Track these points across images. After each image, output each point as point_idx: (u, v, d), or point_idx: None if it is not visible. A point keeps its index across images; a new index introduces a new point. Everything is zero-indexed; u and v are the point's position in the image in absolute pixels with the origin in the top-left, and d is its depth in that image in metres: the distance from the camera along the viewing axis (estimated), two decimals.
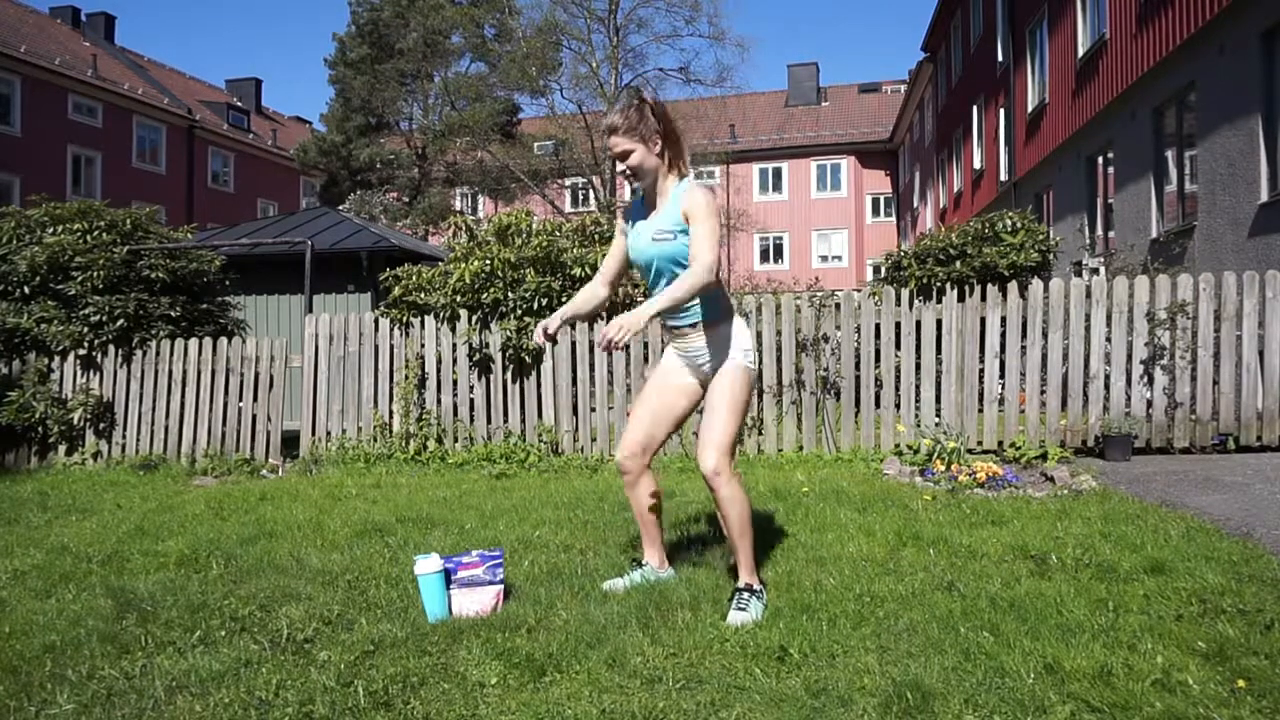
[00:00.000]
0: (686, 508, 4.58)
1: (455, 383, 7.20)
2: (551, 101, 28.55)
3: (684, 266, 2.88)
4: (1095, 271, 10.36)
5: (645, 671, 2.41)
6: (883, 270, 8.78)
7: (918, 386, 6.55)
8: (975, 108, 21.11)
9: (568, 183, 31.39)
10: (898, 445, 6.40)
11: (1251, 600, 2.81)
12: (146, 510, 5.28)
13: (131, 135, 28.64)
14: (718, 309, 2.98)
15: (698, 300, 2.93)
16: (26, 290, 7.75)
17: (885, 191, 35.63)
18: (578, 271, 6.94)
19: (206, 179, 31.95)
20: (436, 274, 7.44)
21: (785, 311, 6.71)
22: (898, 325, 6.59)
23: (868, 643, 2.56)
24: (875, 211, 35.80)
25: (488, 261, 7.02)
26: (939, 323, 6.55)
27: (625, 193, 32.11)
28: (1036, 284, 6.42)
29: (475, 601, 2.99)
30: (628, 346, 6.91)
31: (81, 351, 7.66)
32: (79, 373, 7.73)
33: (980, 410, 6.46)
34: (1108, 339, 6.30)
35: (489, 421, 7.14)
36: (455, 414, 7.17)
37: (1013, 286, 6.49)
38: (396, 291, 7.45)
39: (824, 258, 34.89)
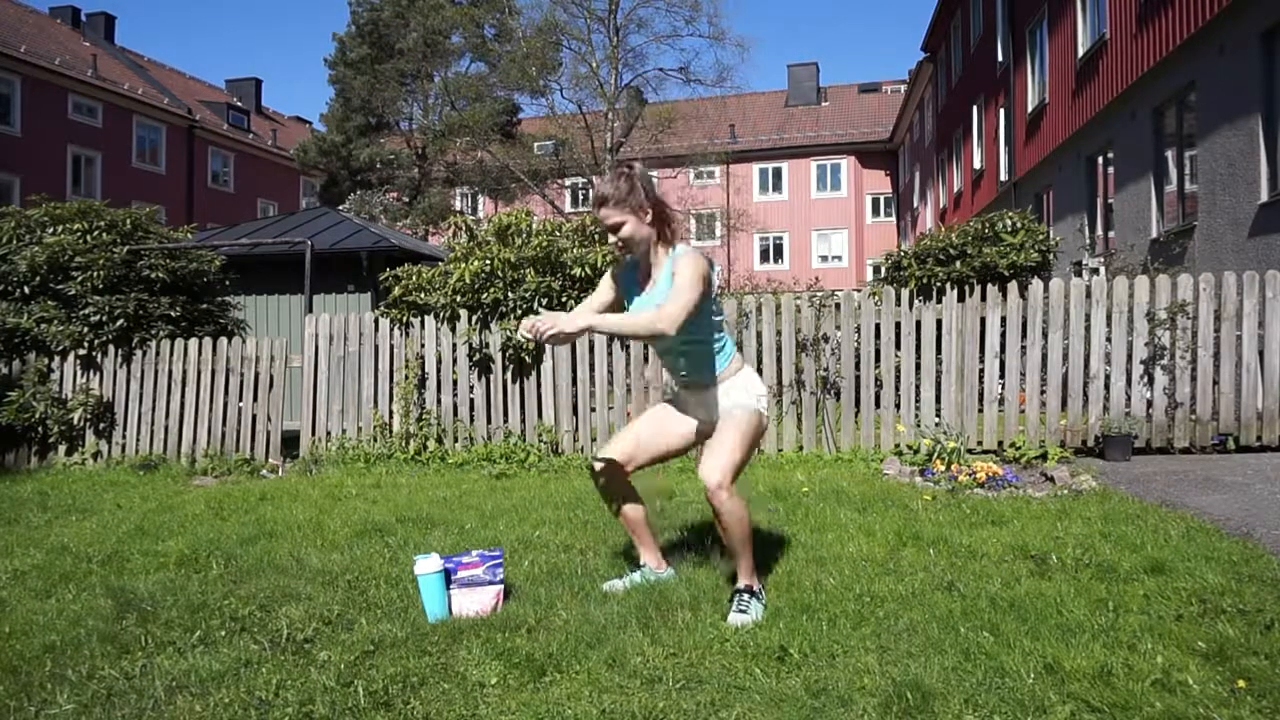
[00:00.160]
0: (687, 508, 4.58)
1: (455, 383, 7.20)
2: (551, 101, 28.57)
3: (692, 339, 2.89)
4: (1095, 271, 10.36)
5: (645, 671, 2.41)
6: (883, 270, 8.78)
7: (918, 386, 6.55)
8: (975, 108, 21.11)
9: (568, 183, 31.38)
10: (898, 445, 6.40)
11: (1251, 600, 2.81)
12: (146, 510, 5.28)
13: (131, 135, 28.65)
14: (728, 364, 3.00)
15: (711, 359, 2.96)
16: (26, 290, 7.75)
17: (885, 191, 35.64)
18: (578, 271, 6.94)
19: (206, 179, 31.95)
20: (436, 274, 7.44)
21: (785, 311, 6.70)
22: (898, 325, 6.58)
23: (868, 643, 2.56)
24: (875, 211, 35.80)
25: (488, 261, 7.02)
26: (939, 323, 6.55)
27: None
28: (1036, 284, 6.42)
29: (475, 601, 2.99)
30: (628, 347, 6.92)
31: (81, 351, 7.66)
32: (79, 373, 7.73)
33: (980, 410, 6.45)
34: (1108, 339, 6.30)
35: (489, 421, 7.14)
36: (455, 414, 7.17)
37: (1013, 286, 6.49)
38: (396, 291, 7.45)
39: (824, 258, 34.89)
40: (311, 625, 2.89)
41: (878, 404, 6.73)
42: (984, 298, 6.48)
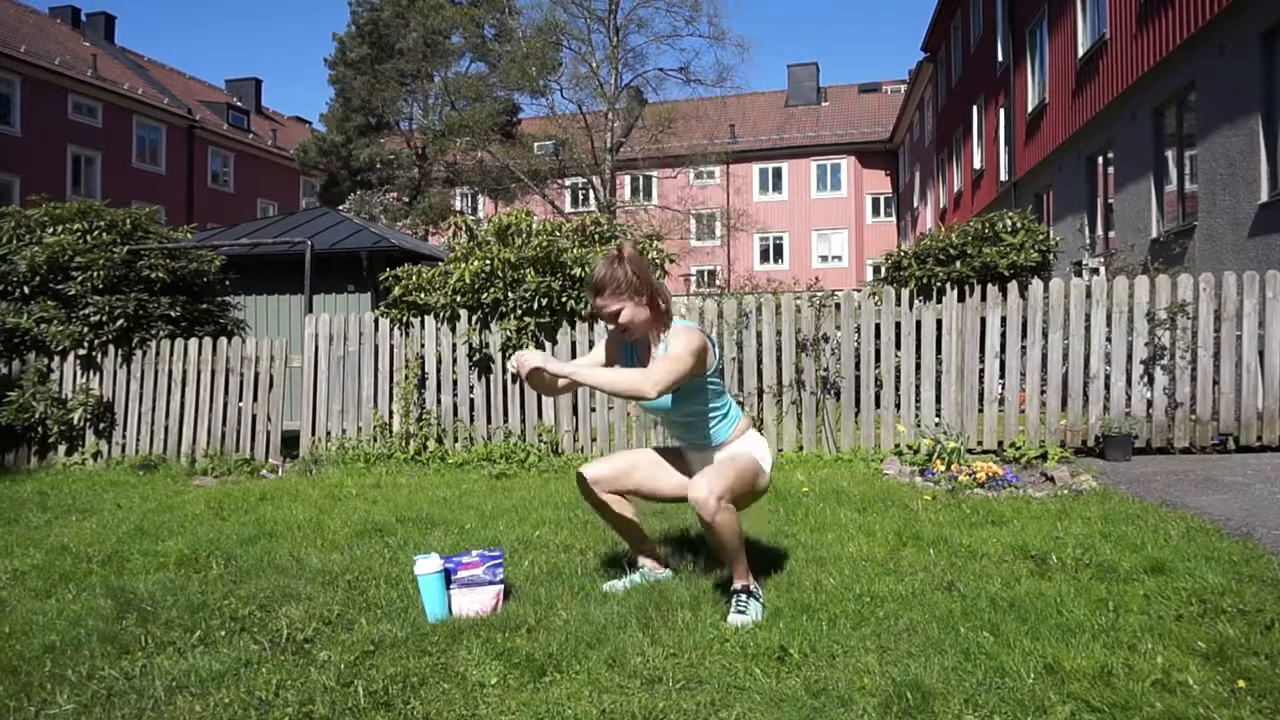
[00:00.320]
0: (686, 508, 4.57)
1: (455, 383, 7.20)
2: (551, 101, 28.58)
3: (692, 410, 2.93)
4: (1095, 271, 10.36)
5: (645, 671, 2.40)
6: (883, 270, 8.78)
7: (918, 386, 6.55)
8: (975, 108, 21.11)
9: (568, 183, 31.38)
10: (898, 445, 6.40)
11: (1251, 600, 2.81)
12: (146, 510, 5.27)
13: (131, 135, 28.65)
14: (732, 429, 3.03)
15: (711, 428, 2.99)
16: (26, 290, 7.75)
17: (885, 191, 35.64)
18: (578, 271, 6.94)
19: (206, 179, 31.96)
20: (436, 274, 7.44)
21: (785, 311, 6.70)
22: (898, 325, 6.58)
23: (868, 643, 2.56)
24: (875, 211, 35.80)
25: (488, 261, 7.02)
26: (939, 323, 6.55)
27: (625, 192, 32.15)
28: (1036, 284, 6.42)
29: (475, 601, 2.99)
30: None
31: (81, 351, 7.66)
32: (79, 373, 7.73)
33: (980, 410, 6.45)
34: (1108, 339, 6.30)
35: (489, 421, 7.14)
36: (455, 414, 7.17)
37: (1013, 286, 6.49)
38: (396, 291, 7.45)
39: (824, 258, 34.89)
40: (311, 625, 2.89)
41: (878, 404, 6.73)
42: (984, 298, 6.48)
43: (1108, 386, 6.30)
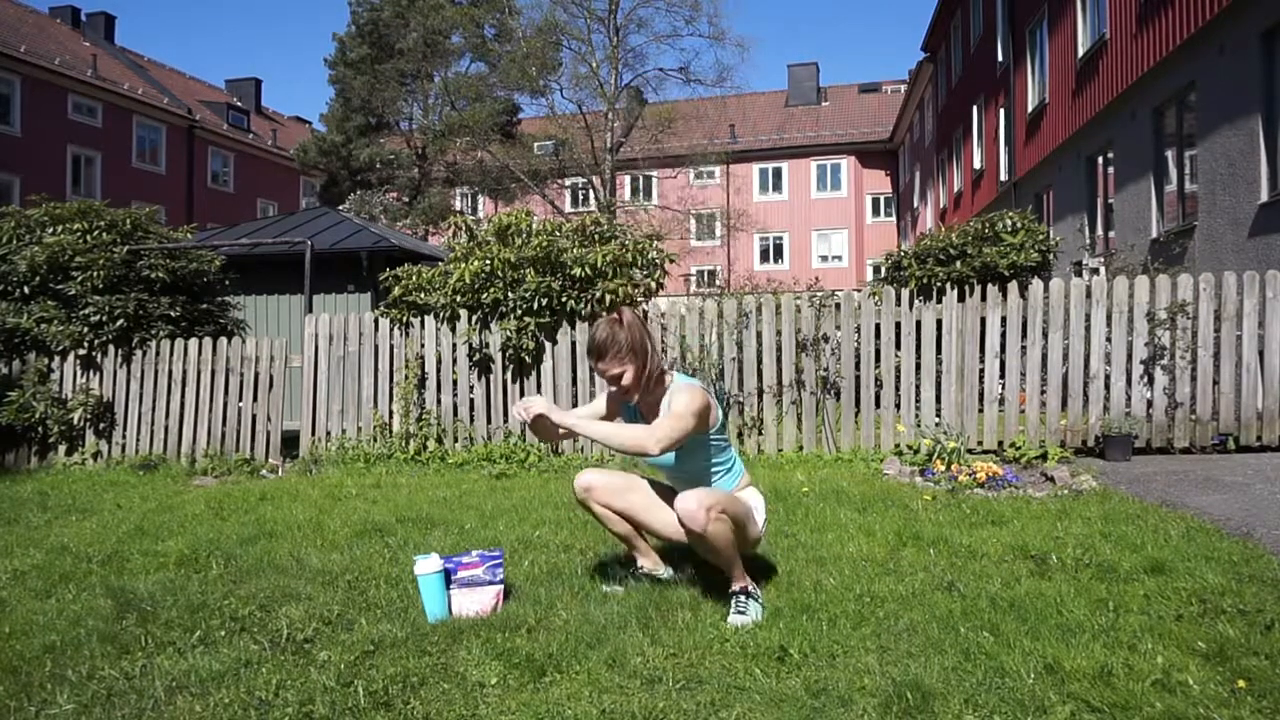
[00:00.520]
0: None
1: (455, 383, 7.20)
2: (551, 101, 28.57)
3: (695, 468, 2.97)
4: (1095, 271, 10.36)
5: (645, 671, 2.41)
6: (883, 270, 8.78)
7: (918, 386, 6.55)
8: (975, 108, 21.11)
9: (568, 183, 31.37)
10: (898, 445, 6.40)
11: (1251, 600, 2.81)
12: (146, 510, 5.28)
13: (131, 135, 28.65)
14: (736, 483, 3.05)
15: (719, 478, 3.02)
16: (26, 290, 7.75)
17: (885, 191, 35.64)
18: (578, 271, 6.94)
19: (206, 179, 31.95)
20: (436, 274, 7.44)
21: (785, 311, 6.71)
22: (898, 325, 6.58)
23: (868, 643, 2.56)
24: (875, 211, 35.80)
25: (488, 261, 7.02)
26: (939, 323, 6.55)
27: (625, 192, 32.14)
28: (1036, 284, 6.42)
29: (475, 601, 2.99)
30: None
31: (81, 351, 7.67)
32: (79, 373, 7.73)
33: (980, 410, 6.45)
34: (1108, 339, 6.30)
35: (489, 421, 7.14)
36: (455, 414, 7.17)
37: (1013, 286, 6.49)
38: (396, 291, 7.45)
39: (824, 258, 34.88)
40: (311, 625, 2.89)
41: (878, 404, 6.73)
42: (984, 298, 6.48)
43: (1108, 386, 6.30)
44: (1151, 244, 11.47)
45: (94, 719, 2.29)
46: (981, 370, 6.45)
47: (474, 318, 7.17)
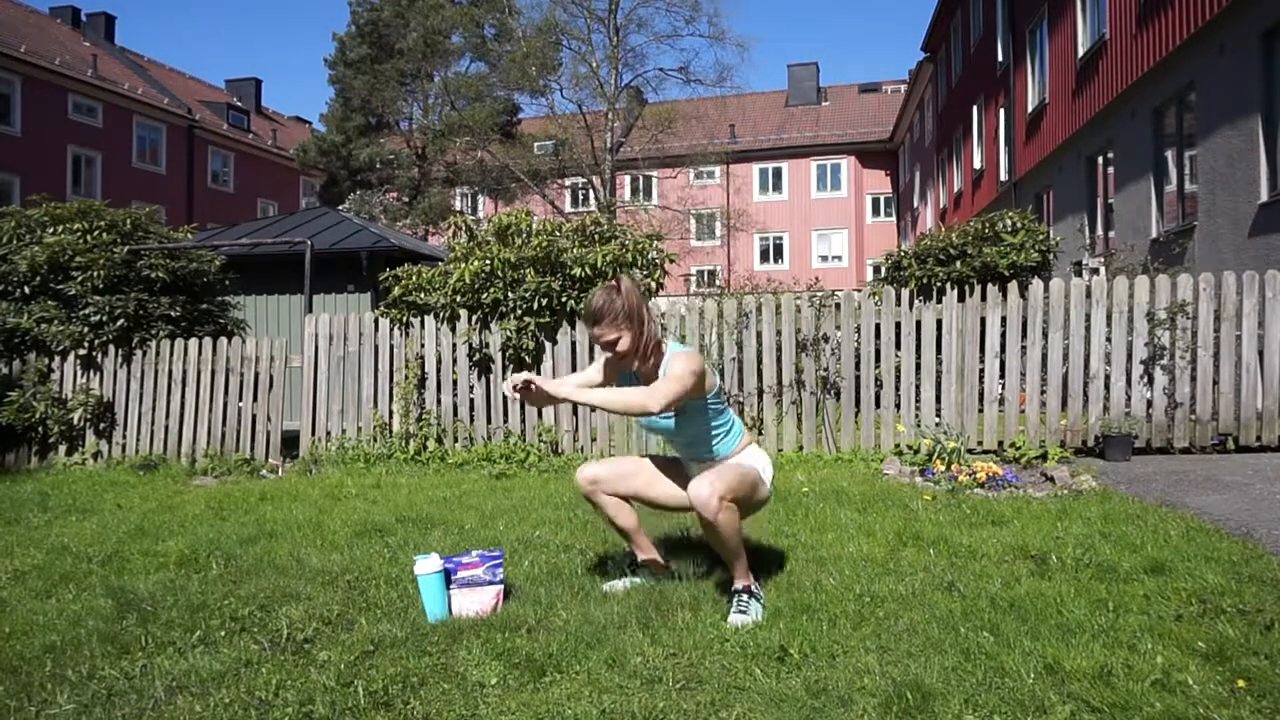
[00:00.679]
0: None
1: (455, 383, 7.20)
2: (551, 101, 28.57)
3: (696, 431, 2.99)
4: (1095, 271, 10.36)
5: (645, 671, 2.41)
6: (883, 270, 8.78)
7: (918, 386, 6.55)
8: (975, 108, 21.11)
9: (568, 183, 31.37)
10: (898, 445, 6.40)
11: (1251, 600, 2.81)
12: (146, 510, 5.28)
13: (131, 135, 28.65)
14: (737, 443, 3.06)
15: (714, 445, 3.03)
16: (26, 290, 7.75)
17: (885, 191, 35.64)
18: (578, 271, 6.94)
19: (206, 179, 31.95)
20: (436, 274, 7.44)
21: (785, 311, 6.71)
22: (898, 325, 6.58)
23: (868, 643, 2.56)
24: (875, 211, 35.80)
25: (488, 261, 7.02)
26: (939, 323, 6.55)
27: (625, 192, 32.14)
28: (1036, 284, 6.42)
29: (475, 601, 2.99)
30: None
31: (81, 351, 7.67)
32: (79, 373, 7.73)
33: (980, 410, 6.45)
34: (1108, 339, 6.30)
35: (489, 421, 7.14)
36: (455, 414, 7.17)
37: (1013, 286, 6.49)
38: (396, 291, 7.45)
39: (824, 258, 34.88)
40: (311, 625, 2.89)
41: (878, 404, 6.73)
42: (984, 298, 6.48)
43: (1108, 386, 6.30)
44: (1151, 244, 11.47)
45: (94, 719, 2.29)
46: (981, 370, 6.45)
47: (474, 318, 7.17)
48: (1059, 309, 6.35)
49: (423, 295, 7.35)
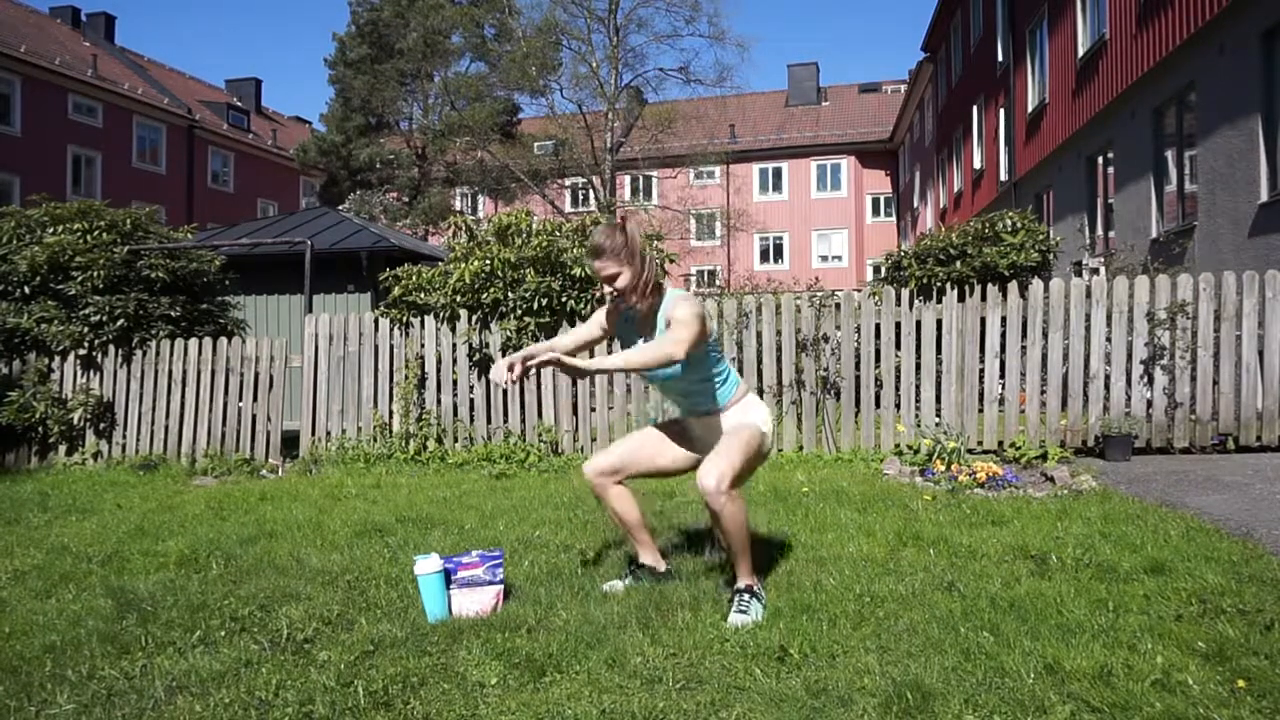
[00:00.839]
0: (686, 508, 4.58)
1: (455, 383, 7.20)
2: (551, 101, 28.57)
3: (695, 378, 2.98)
4: (1095, 271, 10.36)
5: (645, 671, 2.41)
6: (883, 270, 8.78)
7: (918, 386, 6.55)
8: (975, 108, 21.11)
9: (568, 183, 31.37)
10: (898, 445, 6.40)
11: (1251, 600, 2.81)
12: (146, 510, 5.28)
13: (131, 135, 28.64)
14: (733, 392, 3.06)
15: (712, 394, 3.04)
16: (27, 290, 7.75)
17: (885, 191, 35.63)
18: (578, 271, 6.94)
19: (206, 179, 31.95)
20: (436, 274, 7.44)
21: (785, 311, 6.71)
22: (898, 325, 6.58)
23: (868, 643, 2.56)
24: (875, 211, 35.79)
25: (488, 261, 7.02)
26: (939, 323, 6.55)
27: (625, 192, 32.14)
28: (1037, 284, 6.42)
29: (475, 601, 2.99)
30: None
31: (81, 351, 7.67)
32: (79, 373, 7.73)
33: (980, 410, 6.45)
34: (1108, 339, 6.30)
35: (489, 421, 7.14)
36: (455, 414, 7.17)
37: (1013, 286, 6.49)
38: (396, 291, 7.45)
39: (824, 258, 34.88)
40: (311, 625, 2.89)
41: (878, 404, 6.73)
42: (984, 298, 6.48)
43: (1108, 386, 6.30)
44: (1151, 244, 11.47)
45: (94, 719, 2.29)
46: (981, 370, 6.45)
47: (474, 318, 7.17)
48: (1059, 309, 6.35)
49: (423, 295, 7.35)
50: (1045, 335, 6.38)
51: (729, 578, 3.09)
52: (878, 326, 6.65)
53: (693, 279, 31.40)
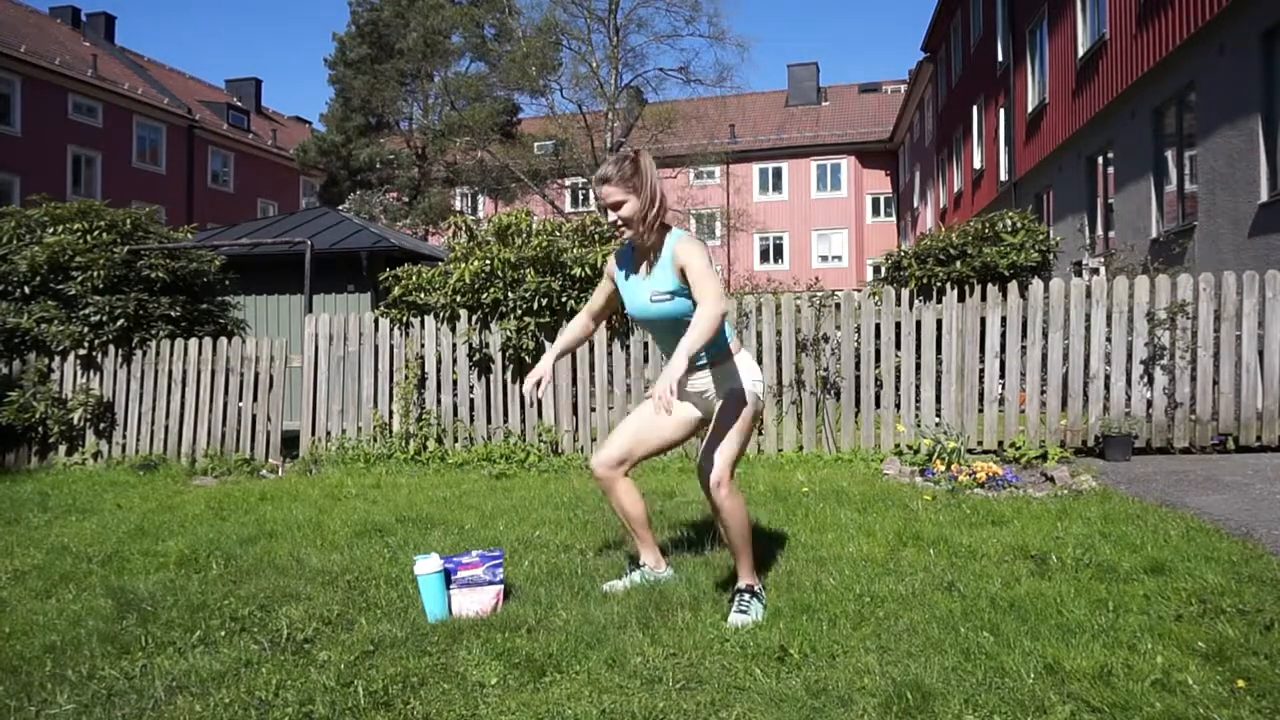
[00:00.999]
0: (687, 508, 4.58)
1: (455, 383, 7.20)
2: (551, 101, 28.57)
3: (687, 320, 2.91)
4: (1095, 271, 10.35)
5: (645, 671, 2.41)
6: (883, 270, 8.78)
7: (918, 386, 6.55)
8: (975, 108, 21.11)
9: (568, 183, 31.37)
10: (898, 445, 6.40)
11: (1251, 600, 2.81)
12: (146, 510, 5.28)
13: (131, 135, 28.64)
14: (724, 347, 3.01)
15: (711, 340, 2.96)
16: (27, 290, 7.75)
17: (885, 191, 35.64)
18: (578, 271, 6.94)
19: (206, 179, 31.95)
20: (436, 274, 7.44)
21: (785, 311, 6.71)
22: (898, 325, 6.59)
23: (868, 643, 2.56)
24: (875, 211, 35.80)
25: (488, 261, 7.02)
26: (939, 323, 6.55)
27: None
28: (1036, 284, 6.42)
29: (475, 601, 2.99)
30: (628, 347, 6.94)
31: (81, 351, 7.66)
32: (79, 373, 7.73)
33: (980, 410, 6.45)
34: (1108, 339, 6.30)
35: (489, 421, 7.14)
36: (455, 414, 7.17)
37: (1013, 286, 6.49)
38: (396, 291, 7.45)
39: (824, 258, 34.88)
40: (311, 625, 2.89)
41: (878, 404, 6.73)
42: (984, 298, 6.48)
43: (1108, 386, 6.30)
44: (1151, 244, 11.47)
45: (94, 719, 2.29)
46: (981, 370, 6.45)
47: (474, 318, 7.17)
48: (1059, 309, 6.35)
49: (423, 295, 7.35)
50: (1045, 335, 6.38)
51: (729, 577, 3.09)
52: (878, 326, 6.65)
53: None
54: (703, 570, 3.30)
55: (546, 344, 7.04)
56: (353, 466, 6.82)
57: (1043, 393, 6.46)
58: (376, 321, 7.36)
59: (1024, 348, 6.44)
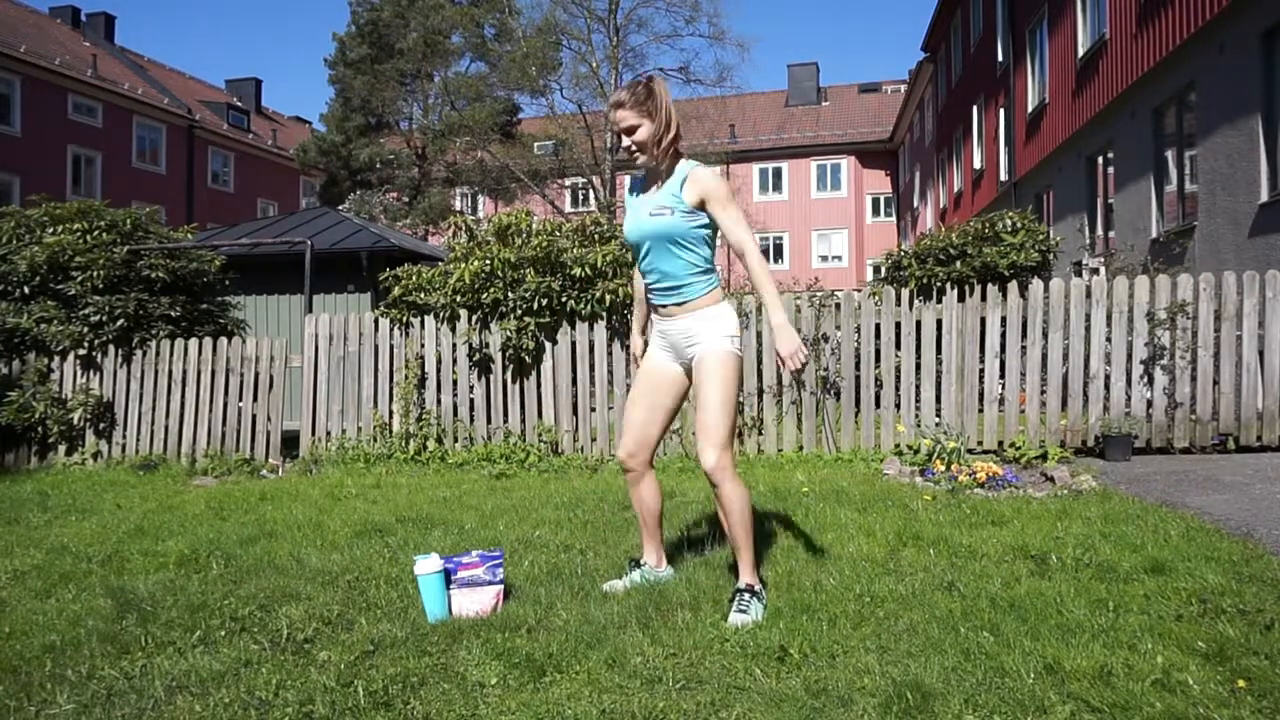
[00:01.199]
0: (687, 508, 4.58)
1: (455, 383, 7.20)
2: (551, 101, 28.57)
3: (679, 244, 2.96)
4: (1095, 271, 10.35)
5: (645, 671, 2.40)
6: (883, 270, 8.78)
7: (918, 386, 6.55)
8: (975, 108, 21.11)
9: (568, 183, 31.37)
10: (898, 445, 6.40)
11: (1251, 600, 2.81)
12: (146, 510, 5.28)
13: (131, 135, 28.65)
14: (707, 289, 3.01)
15: (690, 279, 2.99)
16: (26, 290, 7.75)
17: (885, 191, 35.64)
18: (578, 271, 6.94)
19: (206, 179, 31.96)
20: (436, 274, 7.44)
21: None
22: (898, 325, 6.59)
23: (868, 643, 2.56)
24: (875, 211, 35.80)
25: (488, 261, 7.02)
26: (939, 323, 6.55)
27: (625, 193, 32.16)
28: (1036, 284, 6.42)
29: (475, 601, 2.99)
30: (628, 347, 6.94)
31: (81, 351, 7.67)
32: (79, 373, 7.73)
33: (980, 410, 6.45)
34: (1108, 339, 6.30)
35: (489, 421, 7.14)
36: (455, 414, 7.17)
37: (1013, 286, 6.49)
38: (396, 291, 7.45)
39: (824, 258, 34.89)
40: (311, 625, 2.89)
41: (878, 404, 6.73)
42: (984, 298, 6.48)
43: (1108, 386, 6.30)
44: (1151, 244, 11.47)
45: (94, 719, 2.29)
46: (981, 370, 6.45)
47: (474, 318, 7.17)
48: (1059, 309, 6.35)
49: (423, 295, 7.35)
50: (1045, 335, 6.38)
51: (729, 577, 3.09)
52: (878, 326, 6.65)
53: None
54: (703, 570, 3.30)
55: (547, 344, 7.04)
56: (353, 466, 6.82)
57: (1043, 393, 6.46)
58: (376, 321, 7.36)
59: (1024, 348, 6.44)
